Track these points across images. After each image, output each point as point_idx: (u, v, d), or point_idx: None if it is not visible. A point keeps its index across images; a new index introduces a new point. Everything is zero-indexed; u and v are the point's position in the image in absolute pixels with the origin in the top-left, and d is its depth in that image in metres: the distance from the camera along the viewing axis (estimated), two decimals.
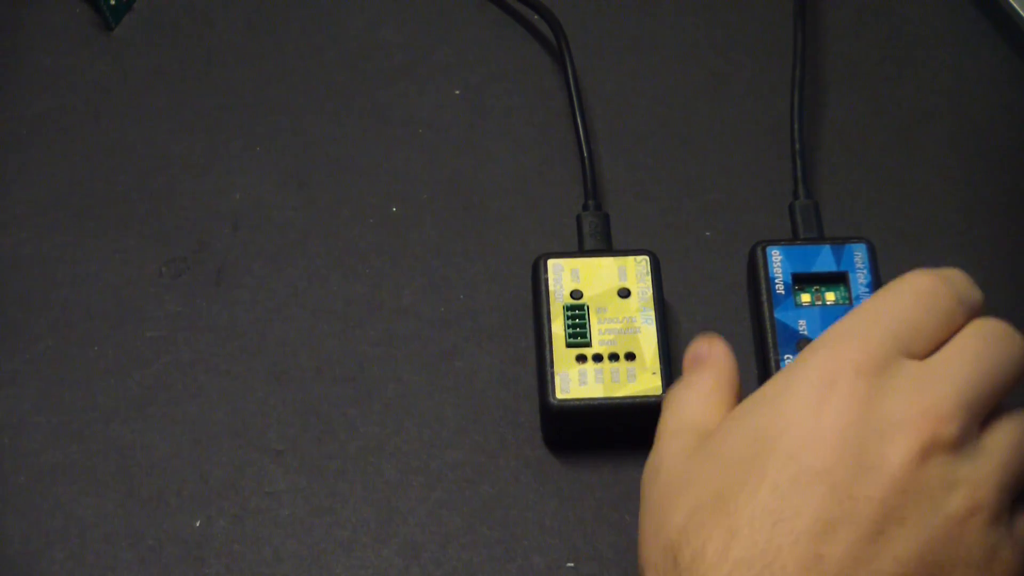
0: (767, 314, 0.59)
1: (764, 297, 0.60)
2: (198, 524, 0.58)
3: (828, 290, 0.60)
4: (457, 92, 0.69)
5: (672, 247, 0.64)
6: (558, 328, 0.59)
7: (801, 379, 0.49)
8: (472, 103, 0.69)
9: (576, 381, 0.58)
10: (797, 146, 0.64)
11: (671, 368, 0.59)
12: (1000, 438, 0.50)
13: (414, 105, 0.69)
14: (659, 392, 0.58)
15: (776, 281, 0.60)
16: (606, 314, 0.60)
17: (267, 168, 0.67)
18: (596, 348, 0.59)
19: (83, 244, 0.65)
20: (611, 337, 0.59)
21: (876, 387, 0.49)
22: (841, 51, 0.70)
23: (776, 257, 0.60)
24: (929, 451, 0.48)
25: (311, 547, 0.58)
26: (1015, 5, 0.68)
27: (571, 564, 0.57)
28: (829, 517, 0.47)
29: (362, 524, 0.58)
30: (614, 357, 0.59)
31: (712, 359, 0.54)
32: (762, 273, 0.60)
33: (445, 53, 0.70)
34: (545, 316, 0.60)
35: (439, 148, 0.68)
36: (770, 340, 0.59)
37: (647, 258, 0.61)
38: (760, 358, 0.59)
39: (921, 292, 0.51)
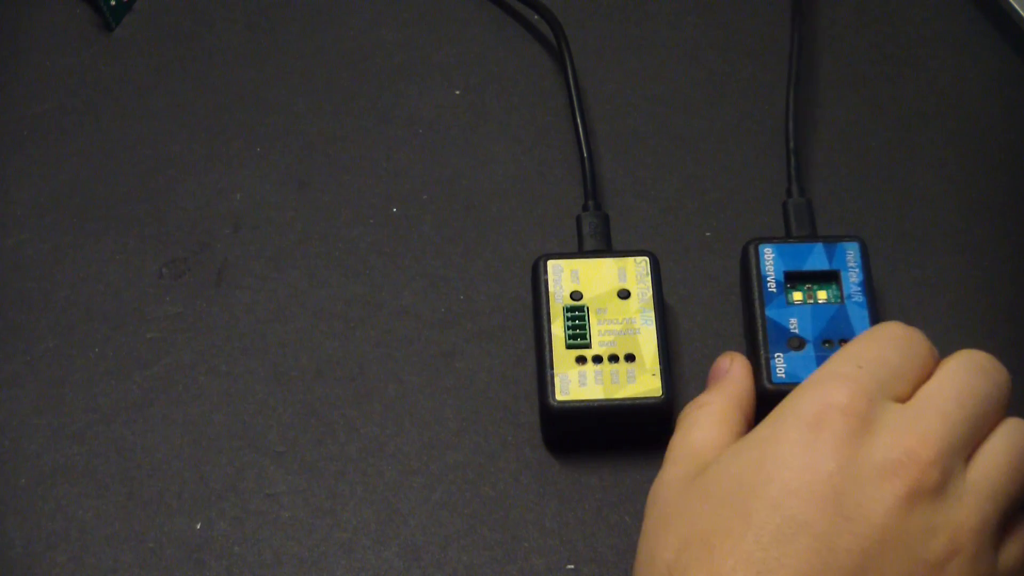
0: (758, 312, 0.59)
1: (756, 295, 0.60)
2: (199, 526, 0.58)
3: (820, 288, 0.60)
4: (457, 92, 0.69)
5: (672, 247, 0.64)
6: (558, 329, 0.59)
7: (789, 422, 0.50)
8: (472, 103, 0.69)
9: (576, 382, 0.58)
10: (791, 144, 0.64)
11: (671, 369, 0.59)
12: (984, 470, 0.50)
13: (414, 105, 0.69)
14: (659, 394, 0.58)
15: (768, 279, 0.60)
16: (606, 315, 0.60)
17: (267, 168, 0.67)
18: (596, 349, 0.59)
19: (83, 244, 0.65)
20: (611, 338, 0.59)
21: (861, 429, 0.49)
22: (841, 50, 0.70)
23: (768, 255, 0.60)
24: (911, 500, 0.48)
25: (311, 549, 0.58)
26: (1015, 5, 0.68)
27: (571, 566, 0.57)
28: (810, 570, 0.47)
29: (362, 525, 0.58)
30: (614, 358, 0.59)
31: (729, 379, 0.56)
32: (754, 271, 0.60)
33: (445, 53, 0.70)
34: (545, 317, 0.60)
35: (439, 148, 0.68)
36: (761, 338, 0.59)
37: (647, 259, 0.61)
38: (751, 356, 0.59)
39: (897, 338, 0.53)
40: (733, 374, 0.57)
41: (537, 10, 0.70)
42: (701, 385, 0.58)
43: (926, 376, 0.52)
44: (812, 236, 0.62)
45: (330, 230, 0.65)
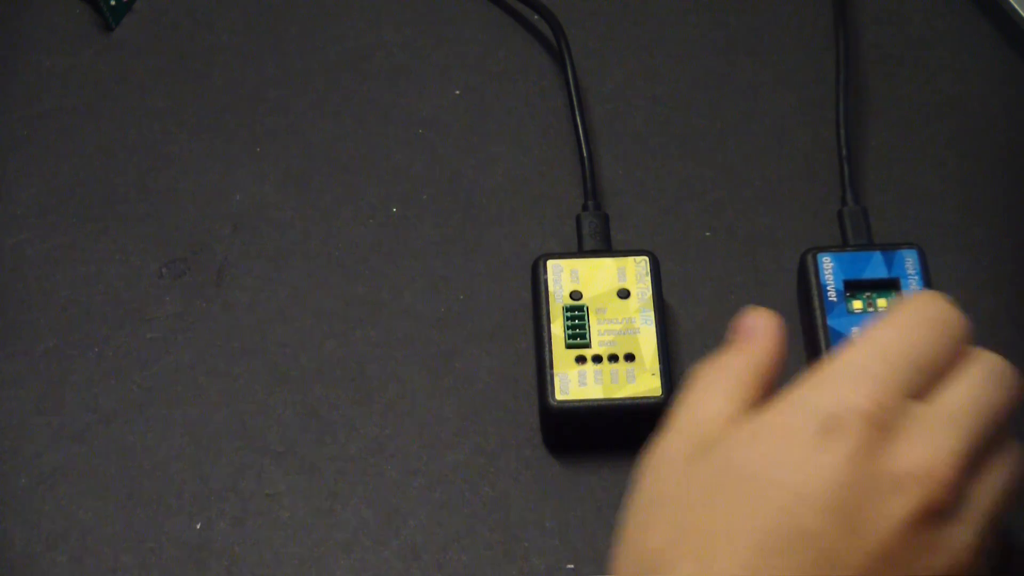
0: (820, 322, 0.59)
1: (816, 304, 0.59)
2: (199, 526, 0.58)
3: (880, 296, 0.59)
4: (457, 92, 0.69)
5: (671, 247, 0.64)
6: (558, 329, 0.59)
7: (805, 417, 0.47)
8: (472, 103, 0.69)
9: (576, 382, 0.58)
10: (844, 151, 0.64)
11: (671, 369, 0.59)
12: (987, 493, 0.48)
13: (414, 105, 0.69)
14: (659, 393, 0.58)
15: (828, 288, 0.59)
16: (606, 315, 0.60)
17: (267, 168, 0.67)
18: (596, 349, 0.59)
19: (83, 244, 0.65)
20: (611, 338, 0.59)
21: (882, 438, 0.47)
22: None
23: (827, 264, 0.60)
24: (923, 517, 0.46)
25: (311, 549, 0.58)
26: (1015, 5, 0.68)
27: (571, 566, 0.57)
28: None
29: (362, 526, 0.58)
30: (613, 358, 0.59)
31: (756, 340, 0.51)
32: (813, 280, 0.60)
33: (445, 53, 0.70)
34: (545, 317, 0.60)
35: (439, 148, 0.68)
36: (824, 348, 0.58)
37: (646, 259, 0.61)
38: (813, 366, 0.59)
39: (932, 320, 0.49)
40: (758, 334, 0.51)
41: (537, 10, 0.70)
42: None
43: (952, 365, 0.49)
44: (870, 244, 0.62)
45: (330, 230, 0.65)
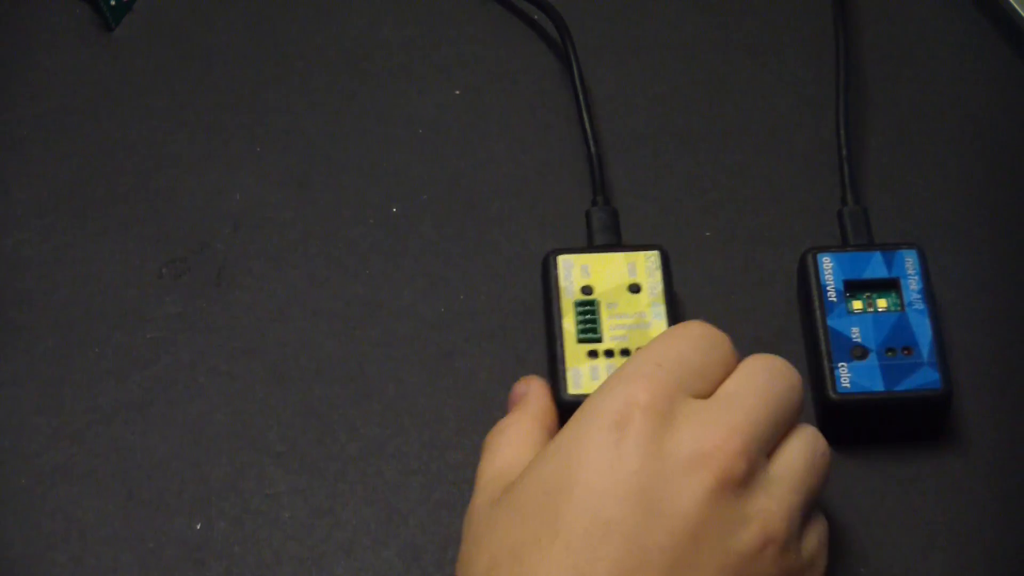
0: (820, 322, 0.59)
1: (816, 304, 0.59)
2: (199, 526, 0.58)
3: (880, 297, 0.59)
4: (457, 92, 0.69)
5: (671, 248, 0.64)
6: (569, 324, 0.59)
7: (590, 424, 0.50)
8: (472, 103, 0.69)
9: (588, 376, 0.58)
10: (844, 151, 0.64)
11: None
12: (787, 463, 0.51)
13: (414, 105, 0.69)
14: None
15: (828, 288, 0.59)
16: (617, 309, 0.59)
17: (267, 168, 0.67)
18: (607, 343, 0.59)
19: (83, 244, 0.65)
20: (622, 332, 0.59)
21: (664, 425, 0.49)
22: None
23: (827, 264, 0.60)
24: (720, 490, 0.48)
25: (311, 549, 0.58)
26: (1015, 5, 0.68)
27: None
28: (623, 570, 0.47)
29: (362, 526, 0.58)
30: (625, 352, 0.58)
31: (527, 399, 0.56)
32: (813, 280, 0.60)
33: (445, 53, 0.70)
34: (556, 312, 0.59)
35: (439, 148, 0.68)
36: (824, 348, 0.58)
37: (657, 253, 0.61)
38: (813, 366, 0.59)
39: (698, 337, 0.53)
40: (531, 394, 0.57)
41: (544, 9, 0.69)
42: None
43: (726, 375, 0.52)
44: (870, 244, 0.62)
45: (330, 230, 0.65)
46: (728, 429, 0.50)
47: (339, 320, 0.63)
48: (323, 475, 0.59)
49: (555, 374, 0.58)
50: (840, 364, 0.57)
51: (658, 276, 0.60)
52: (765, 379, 0.52)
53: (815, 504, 0.53)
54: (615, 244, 0.63)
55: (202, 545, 0.58)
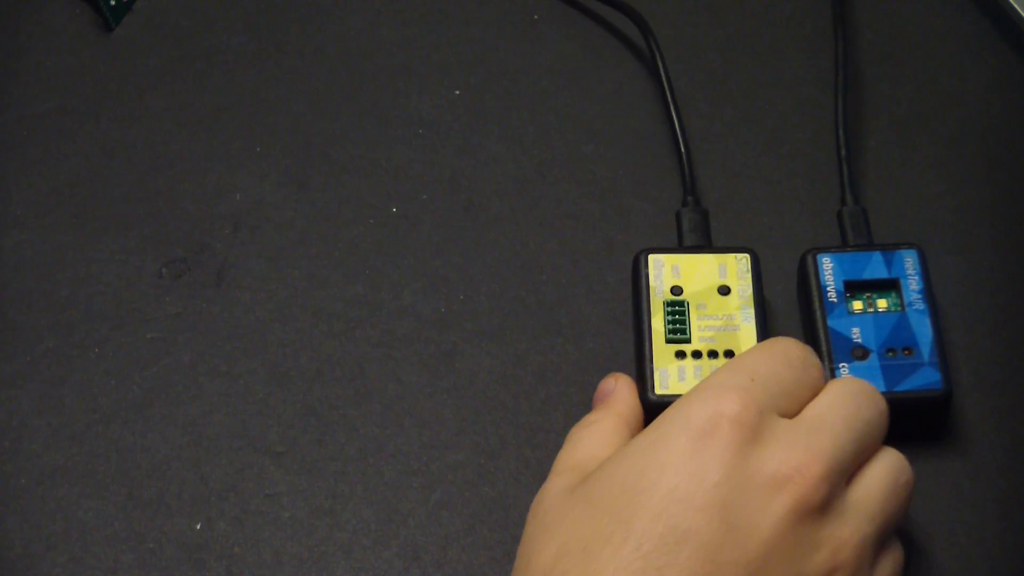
0: (820, 322, 0.59)
1: (816, 304, 0.59)
2: (199, 526, 0.58)
3: (880, 297, 0.59)
4: (457, 92, 0.69)
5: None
6: (658, 323, 0.59)
7: (677, 429, 0.50)
8: (472, 103, 0.69)
9: (675, 377, 0.58)
10: (843, 151, 0.64)
11: None
12: (867, 490, 0.51)
13: (414, 105, 0.69)
14: None
15: (828, 288, 0.59)
16: (706, 311, 0.59)
17: (267, 168, 0.67)
18: (696, 345, 0.58)
19: (83, 244, 0.65)
20: (711, 334, 0.59)
21: (750, 441, 0.49)
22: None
23: (827, 264, 0.60)
24: (798, 514, 0.48)
25: (311, 549, 0.58)
26: (1015, 5, 0.68)
27: None
28: None
29: (362, 526, 0.58)
30: (713, 354, 0.58)
31: (614, 398, 0.56)
32: (813, 280, 0.60)
33: (445, 53, 0.70)
34: (645, 311, 0.59)
35: (439, 148, 0.68)
36: (824, 349, 0.58)
37: (748, 256, 0.60)
38: None
39: (791, 356, 0.53)
40: (617, 393, 0.57)
41: (623, 10, 0.69)
42: None
43: (813, 397, 0.52)
44: (869, 244, 0.61)
45: (330, 230, 0.65)
46: (812, 453, 0.49)
47: (339, 320, 0.63)
48: (323, 475, 0.59)
49: (642, 373, 0.58)
50: (841, 365, 0.57)
51: (748, 279, 0.60)
52: (853, 404, 0.52)
53: (893, 531, 0.52)
54: (705, 245, 0.62)
55: (202, 545, 0.58)
